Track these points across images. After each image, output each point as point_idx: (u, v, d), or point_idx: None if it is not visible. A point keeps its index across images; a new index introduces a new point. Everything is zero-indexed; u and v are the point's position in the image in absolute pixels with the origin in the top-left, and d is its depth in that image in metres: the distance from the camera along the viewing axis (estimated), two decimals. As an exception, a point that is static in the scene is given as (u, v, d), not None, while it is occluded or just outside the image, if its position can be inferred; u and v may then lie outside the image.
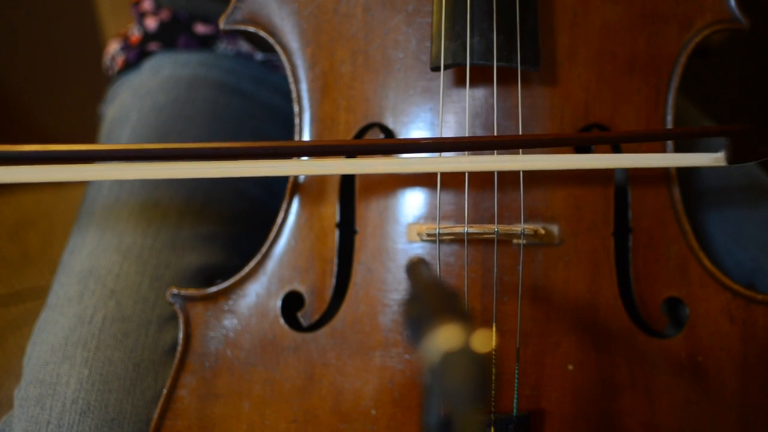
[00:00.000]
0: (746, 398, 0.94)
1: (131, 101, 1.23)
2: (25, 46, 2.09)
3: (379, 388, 0.93)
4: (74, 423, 0.94)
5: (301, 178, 0.96)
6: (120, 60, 1.32)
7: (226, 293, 0.96)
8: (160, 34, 1.29)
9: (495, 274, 0.92)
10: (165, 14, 1.30)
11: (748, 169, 1.16)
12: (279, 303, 0.95)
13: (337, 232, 0.96)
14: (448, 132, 0.94)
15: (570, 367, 0.93)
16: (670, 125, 0.97)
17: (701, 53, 1.03)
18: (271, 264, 0.96)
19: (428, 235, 0.92)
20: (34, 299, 1.32)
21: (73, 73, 2.08)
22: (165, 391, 0.94)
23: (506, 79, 0.93)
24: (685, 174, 1.04)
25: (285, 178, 0.96)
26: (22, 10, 2.08)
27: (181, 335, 0.95)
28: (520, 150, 0.91)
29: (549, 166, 0.90)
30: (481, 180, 0.93)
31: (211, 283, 0.99)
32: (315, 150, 0.88)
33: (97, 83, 1.46)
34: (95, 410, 0.95)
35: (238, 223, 1.15)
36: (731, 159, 0.87)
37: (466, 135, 0.93)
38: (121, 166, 0.84)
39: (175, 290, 0.96)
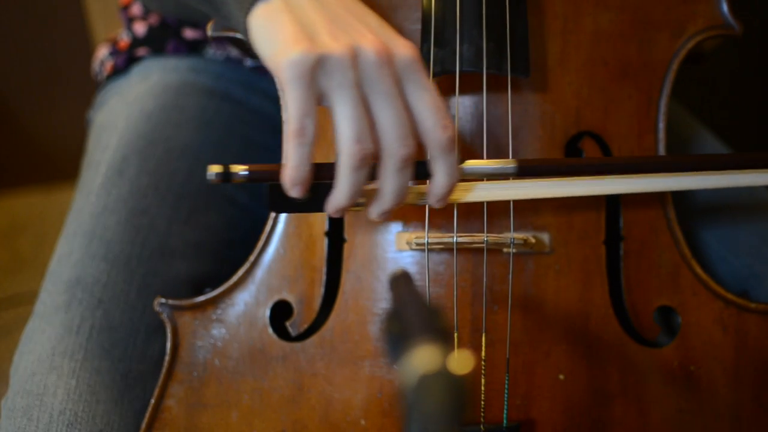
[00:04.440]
0: (739, 408, 0.93)
1: (119, 107, 1.22)
2: (14, 52, 2.08)
3: (368, 399, 0.92)
4: (61, 434, 0.93)
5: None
6: (109, 65, 1.31)
7: (214, 302, 0.95)
8: (149, 39, 1.28)
9: (485, 283, 0.91)
10: (154, 19, 1.29)
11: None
12: (267, 312, 0.94)
13: (326, 241, 0.95)
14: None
15: (561, 376, 0.92)
16: (662, 132, 0.96)
17: (694, 59, 1.02)
18: (260, 272, 0.95)
19: (417, 244, 0.91)
20: (26, 304, 1.31)
21: (63, 79, 2.08)
22: (153, 401, 0.94)
23: (496, 86, 0.92)
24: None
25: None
26: (11, 16, 2.08)
27: (168, 345, 0.94)
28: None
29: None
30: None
31: (201, 291, 0.98)
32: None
33: (87, 89, 1.45)
34: (83, 421, 0.94)
35: (227, 230, 1.14)
36: None
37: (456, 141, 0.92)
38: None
39: (162, 299, 0.95)
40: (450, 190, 0.81)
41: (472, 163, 0.83)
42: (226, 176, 0.80)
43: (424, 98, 0.77)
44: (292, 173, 0.76)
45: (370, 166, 0.77)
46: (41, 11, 2.07)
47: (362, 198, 0.81)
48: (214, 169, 0.80)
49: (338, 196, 0.78)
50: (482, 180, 0.88)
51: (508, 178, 0.87)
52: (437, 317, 0.50)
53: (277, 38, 0.76)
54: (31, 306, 1.07)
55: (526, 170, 0.84)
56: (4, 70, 2.09)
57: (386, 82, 0.75)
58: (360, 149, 0.75)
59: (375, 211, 0.81)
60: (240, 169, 0.80)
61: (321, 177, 0.78)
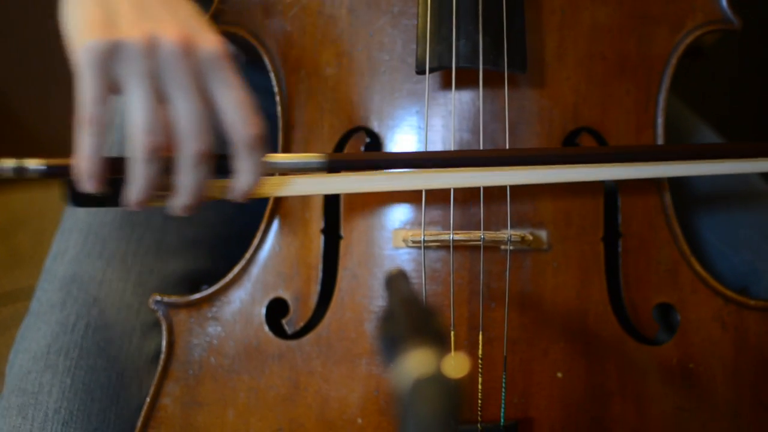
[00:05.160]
0: (738, 406, 0.93)
1: (116, 104, 1.21)
2: (13, 46, 2.07)
3: (365, 397, 0.91)
4: (56, 433, 0.92)
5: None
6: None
7: (209, 300, 0.94)
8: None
9: (482, 281, 0.90)
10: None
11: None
12: (263, 310, 0.94)
13: (321, 238, 0.94)
14: (435, 135, 0.93)
15: (559, 374, 0.91)
16: (661, 127, 0.95)
17: (692, 54, 1.01)
18: (256, 270, 0.95)
19: (414, 241, 0.90)
20: (24, 300, 1.31)
21: (62, 74, 2.06)
22: (148, 399, 0.93)
23: (493, 81, 0.91)
24: (677, 177, 1.02)
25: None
26: (10, 9, 2.07)
27: (164, 342, 0.94)
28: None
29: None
30: (468, 185, 0.91)
31: (197, 288, 0.97)
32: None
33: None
34: (78, 420, 0.93)
35: (223, 226, 1.13)
36: None
37: (453, 138, 0.92)
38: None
39: (158, 297, 0.94)
40: (253, 186, 0.79)
41: (277, 158, 0.82)
42: (20, 171, 0.76)
43: (229, 94, 0.75)
44: (84, 165, 0.74)
45: (165, 159, 0.75)
46: (40, 4, 2.06)
47: (164, 191, 0.78)
48: (7, 163, 0.76)
49: (133, 190, 0.76)
50: (297, 174, 0.86)
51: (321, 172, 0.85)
52: (433, 319, 0.49)
53: (78, 21, 0.74)
54: (29, 302, 1.06)
55: (336, 164, 0.83)
56: (2, 64, 2.08)
57: (183, 74, 0.73)
58: (150, 141, 0.73)
59: (175, 205, 0.79)
60: (36, 163, 0.76)
61: (117, 171, 0.76)
